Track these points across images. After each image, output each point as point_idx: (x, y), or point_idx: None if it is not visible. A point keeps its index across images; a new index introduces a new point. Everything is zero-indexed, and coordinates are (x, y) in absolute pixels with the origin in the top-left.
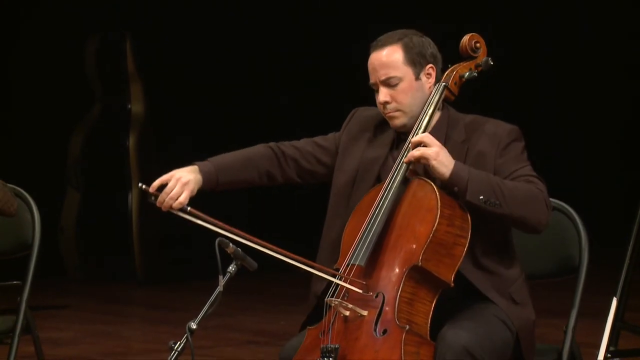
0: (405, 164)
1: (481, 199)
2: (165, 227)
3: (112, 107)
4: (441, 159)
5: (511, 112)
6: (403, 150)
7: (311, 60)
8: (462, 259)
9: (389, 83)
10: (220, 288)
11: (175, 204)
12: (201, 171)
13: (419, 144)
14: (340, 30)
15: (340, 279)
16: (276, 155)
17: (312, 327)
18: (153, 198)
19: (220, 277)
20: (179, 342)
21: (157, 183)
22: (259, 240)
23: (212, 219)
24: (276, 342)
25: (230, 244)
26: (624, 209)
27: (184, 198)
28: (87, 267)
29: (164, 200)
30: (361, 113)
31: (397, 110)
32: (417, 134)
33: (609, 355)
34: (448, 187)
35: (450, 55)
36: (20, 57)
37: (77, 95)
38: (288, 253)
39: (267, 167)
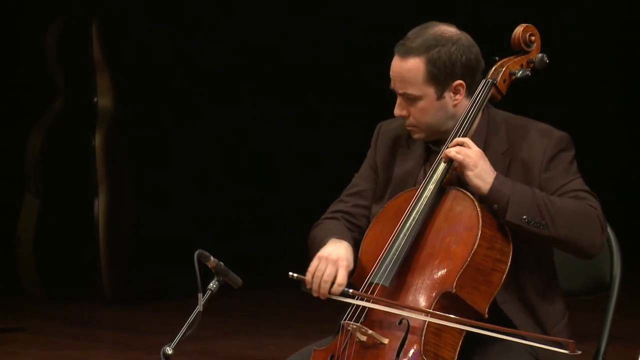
0: (442, 171)
1: (524, 219)
2: (136, 239)
3: (76, 100)
4: (479, 172)
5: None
6: (438, 157)
7: (293, 59)
8: (499, 287)
9: (406, 97)
10: (199, 307)
11: (334, 289)
12: (343, 237)
13: (460, 144)
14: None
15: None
16: (349, 224)
17: (318, 349)
18: (308, 287)
19: (200, 295)
20: None
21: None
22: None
23: (383, 299)
24: None
25: (212, 257)
26: None
27: (341, 278)
28: (47, 284)
29: (319, 286)
30: (385, 128)
31: (414, 126)
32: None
33: None
34: (486, 203)
35: None
36: None
37: (35, 87)
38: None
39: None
